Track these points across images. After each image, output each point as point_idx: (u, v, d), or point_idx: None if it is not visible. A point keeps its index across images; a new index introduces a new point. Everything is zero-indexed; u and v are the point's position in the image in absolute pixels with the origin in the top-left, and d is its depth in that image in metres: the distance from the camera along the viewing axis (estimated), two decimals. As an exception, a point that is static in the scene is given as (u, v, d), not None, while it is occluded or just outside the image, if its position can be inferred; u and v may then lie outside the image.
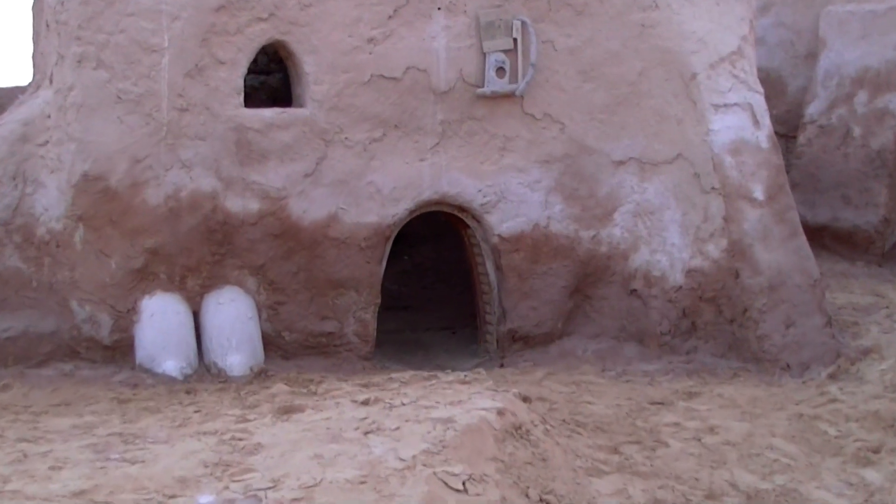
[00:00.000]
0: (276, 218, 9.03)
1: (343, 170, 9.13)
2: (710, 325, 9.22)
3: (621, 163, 9.63)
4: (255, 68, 13.58)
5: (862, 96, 12.41)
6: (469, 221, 9.68)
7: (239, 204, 8.95)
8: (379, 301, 9.46)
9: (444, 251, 13.04)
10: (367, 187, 9.20)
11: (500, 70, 9.27)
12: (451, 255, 12.86)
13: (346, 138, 9.13)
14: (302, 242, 9.10)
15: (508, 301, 9.67)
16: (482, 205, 9.49)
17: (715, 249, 9.18)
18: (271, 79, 12.75)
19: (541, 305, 9.66)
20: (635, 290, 9.59)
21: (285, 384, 7.68)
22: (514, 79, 9.32)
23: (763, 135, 9.37)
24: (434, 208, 9.58)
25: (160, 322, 8.78)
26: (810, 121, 12.77)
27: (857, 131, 12.37)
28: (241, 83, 8.98)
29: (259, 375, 8.76)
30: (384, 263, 9.46)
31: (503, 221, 9.53)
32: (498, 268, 9.68)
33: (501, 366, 9.59)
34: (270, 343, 9.15)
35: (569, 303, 9.73)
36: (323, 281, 9.20)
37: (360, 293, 9.31)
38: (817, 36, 13.05)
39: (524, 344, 9.71)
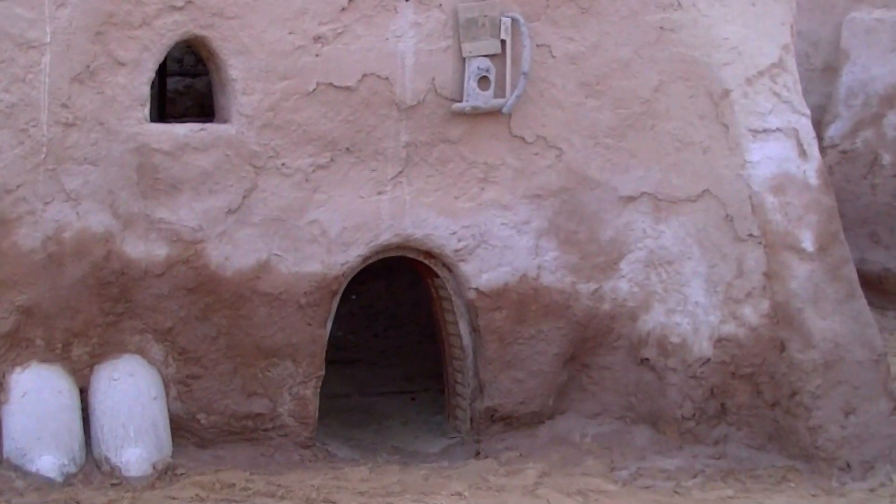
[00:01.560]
0: (190, 267, 7.12)
1: (278, 205, 7.23)
2: (746, 410, 7.36)
3: (631, 199, 7.78)
4: (179, 70, 11.79)
5: (892, 118, 11.09)
6: (439, 270, 7.74)
7: (141, 248, 7.05)
8: (322, 373, 7.53)
9: (399, 290, 11.14)
10: (310, 228, 7.29)
11: (484, 80, 7.40)
12: (407, 294, 11.06)
13: (282, 164, 7.21)
14: (223, 299, 7.20)
15: (487, 372, 7.73)
16: (456, 251, 7.57)
17: (753, 313, 7.32)
18: (199, 82, 11.10)
19: (527, 378, 7.76)
20: (647, 360, 7.71)
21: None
22: (500, 92, 7.45)
23: (811, 168, 7.54)
24: (394, 253, 7.67)
25: (35, 403, 6.85)
26: (831, 145, 11.27)
27: (886, 158, 11.04)
28: (146, 91, 7.04)
29: (165, 474, 6.84)
30: (330, 325, 7.53)
31: (482, 272, 7.62)
32: (474, 329, 7.75)
33: (478, 453, 7.68)
34: (182, 428, 7.22)
35: (562, 374, 7.83)
36: (250, 348, 7.28)
37: (298, 364, 7.39)
38: (838, 47, 11.60)
39: (506, 425, 7.80)
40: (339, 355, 10.27)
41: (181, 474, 6.83)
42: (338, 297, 7.51)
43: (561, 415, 7.84)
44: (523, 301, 7.69)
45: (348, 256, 7.38)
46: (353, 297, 11.57)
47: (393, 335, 10.84)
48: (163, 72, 11.32)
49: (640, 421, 7.69)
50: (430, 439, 8.13)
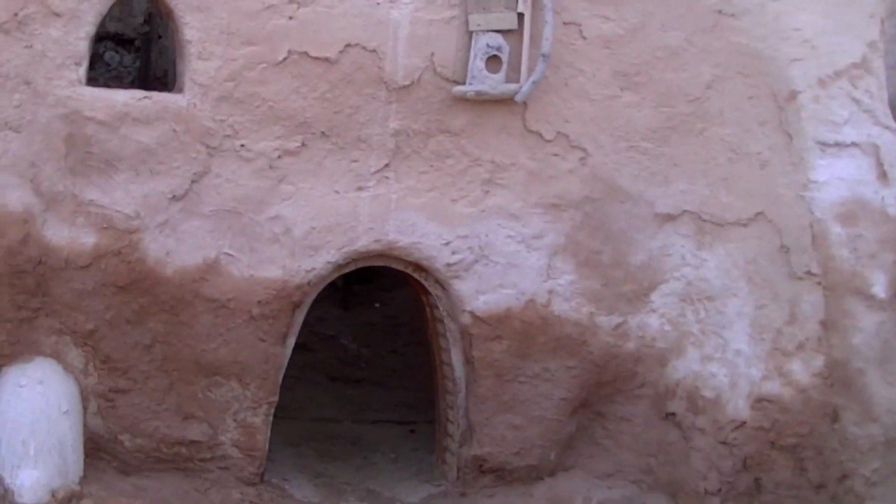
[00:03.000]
0: (123, 260, 5.99)
1: (234, 194, 6.07)
2: (784, 489, 6.10)
3: (670, 218, 6.49)
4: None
5: None
6: (430, 286, 6.49)
7: (65, 234, 5.94)
8: (275, 399, 6.33)
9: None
10: (270, 224, 6.12)
11: (494, 60, 6.17)
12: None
13: (241, 146, 6.05)
14: (160, 301, 6.06)
15: (479, 412, 6.48)
16: (449, 265, 6.33)
17: (803, 370, 6.05)
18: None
19: (527, 424, 6.50)
20: (673, 415, 6.42)
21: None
22: (514, 76, 6.20)
23: (892, 195, 6.23)
24: (375, 262, 6.45)
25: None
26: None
27: None
28: (83, 48, 5.94)
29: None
30: (290, 344, 6.33)
31: (480, 292, 6.38)
32: (468, 360, 6.50)
33: (459, 510, 6.44)
34: (102, 449, 6.15)
35: (570, 423, 6.56)
36: (189, 362, 6.14)
37: (245, 385, 6.23)
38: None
39: (497, 478, 6.58)
40: (344, 372, 9.16)
41: (87, 507, 5.73)
42: (303, 311, 6.30)
43: (565, 472, 6.62)
44: (528, 331, 6.43)
45: (316, 262, 6.17)
46: (377, 305, 10.43)
47: (413, 353, 9.59)
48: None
49: (657, 488, 6.42)
50: (414, 485, 6.93)
